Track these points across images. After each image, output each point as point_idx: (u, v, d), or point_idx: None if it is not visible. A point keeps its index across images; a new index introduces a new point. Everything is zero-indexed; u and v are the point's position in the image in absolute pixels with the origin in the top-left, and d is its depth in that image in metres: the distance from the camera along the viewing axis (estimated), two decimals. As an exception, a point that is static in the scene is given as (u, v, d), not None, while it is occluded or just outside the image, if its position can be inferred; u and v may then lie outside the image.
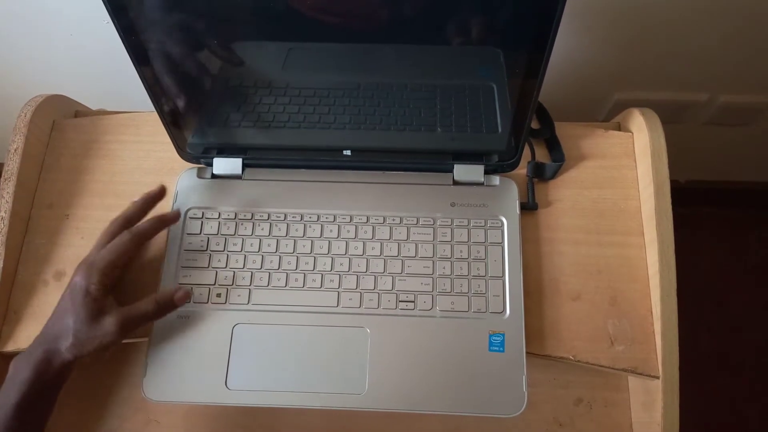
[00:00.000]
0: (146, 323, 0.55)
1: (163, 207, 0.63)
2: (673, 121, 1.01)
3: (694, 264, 1.36)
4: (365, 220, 0.61)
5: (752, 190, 1.33)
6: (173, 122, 0.59)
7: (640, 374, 0.56)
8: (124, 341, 0.54)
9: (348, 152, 0.62)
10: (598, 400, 0.64)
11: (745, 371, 1.28)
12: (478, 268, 0.59)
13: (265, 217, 0.61)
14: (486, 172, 0.63)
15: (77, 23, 0.80)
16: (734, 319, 1.33)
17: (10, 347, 0.59)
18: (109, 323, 0.51)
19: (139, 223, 0.57)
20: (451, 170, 0.63)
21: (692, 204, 1.28)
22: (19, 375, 0.49)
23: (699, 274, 1.35)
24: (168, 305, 0.55)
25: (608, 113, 0.97)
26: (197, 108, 0.59)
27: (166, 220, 0.59)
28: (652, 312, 0.58)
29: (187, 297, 0.56)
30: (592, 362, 0.57)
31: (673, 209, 0.59)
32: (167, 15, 0.48)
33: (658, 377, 0.56)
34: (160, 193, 0.60)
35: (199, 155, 0.64)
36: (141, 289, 0.60)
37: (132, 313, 0.53)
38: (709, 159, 1.20)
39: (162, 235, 0.61)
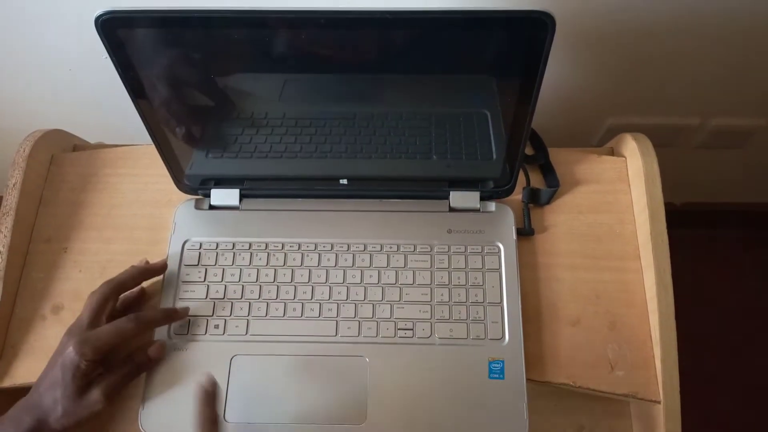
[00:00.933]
0: (129, 383, 0.55)
1: (160, 240, 0.63)
2: (667, 145, 1.02)
3: (691, 285, 1.36)
4: (362, 249, 0.61)
5: (748, 212, 1.33)
6: (170, 155, 0.60)
7: (641, 399, 0.56)
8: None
9: (344, 181, 0.63)
10: (600, 427, 0.63)
11: (749, 394, 1.27)
12: (476, 295, 0.59)
13: (263, 247, 0.62)
14: (482, 199, 0.63)
15: (76, 58, 0.81)
16: (734, 340, 1.32)
17: (6, 383, 0.58)
18: (96, 395, 0.51)
19: (149, 314, 0.56)
20: (447, 197, 0.63)
21: (688, 226, 1.29)
22: None
23: (696, 295, 1.35)
24: (145, 363, 0.56)
25: (601, 138, 0.98)
26: (194, 140, 0.59)
27: (175, 317, 0.58)
28: (651, 336, 0.58)
29: (161, 350, 0.56)
30: (592, 388, 0.56)
31: (670, 231, 0.60)
32: (164, 51, 0.49)
33: (659, 402, 0.56)
34: (161, 269, 0.60)
35: (196, 187, 0.64)
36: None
37: (114, 381, 0.53)
38: (703, 181, 1.21)
39: (160, 266, 0.61)
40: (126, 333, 0.53)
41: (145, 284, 0.62)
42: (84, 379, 0.51)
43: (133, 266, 0.58)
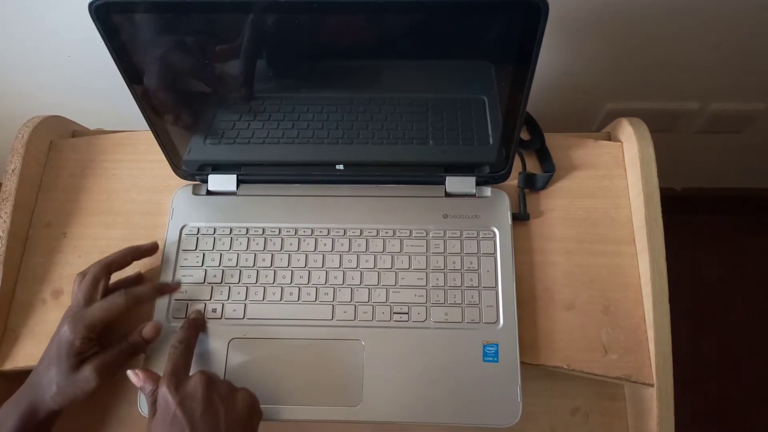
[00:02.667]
0: (124, 364, 0.55)
1: (158, 225, 0.64)
2: (667, 130, 1.02)
3: (691, 270, 1.36)
4: (359, 233, 0.62)
5: (748, 197, 1.33)
6: (168, 141, 0.60)
7: (635, 382, 0.57)
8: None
9: (341, 166, 0.63)
10: (594, 410, 0.64)
11: (744, 377, 1.28)
12: (471, 279, 0.59)
13: (260, 232, 0.62)
14: (477, 184, 0.63)
15: (75, 44, 0.81)
16: (732, 324, 1.33)
17: (8, 366, 0.59)
18: (88, 371, 0.52)
19: (138, 288, 0.57)
20: (443, 182, 0.63)
21: (688, 211, 1.29)
22: (6, 422, 0.51)
23: (696, 281, 1.35)
24: (140, 343, 0.56)
25: (600, 123, 0.98)
26: (191, 126, 0.60)
27: (165, 290, 0.59)
28: (645, 320, 0.59)
29: (156, 330, 0.57)
30: (586, 371, 0.57)
31: (670, 217, 0.60)
32: (159, 36, 0.49)
33: (652, 385, 0.56)
34: (150, 250, 0.61)
35: (194, 172, 0.64)
36: (136, 312, 0.60)
37: (107, 359, 0.53)
38: (703, 166, 1.20)
39: (158, 252, 0.61)
40: (117, 308, 0.54)
41: (144, 270, 0.62)
42: (78, 357, 0.52)
43: (121, 249, 0.59)
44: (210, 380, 0.50)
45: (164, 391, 0.48)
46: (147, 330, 0.56)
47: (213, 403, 0.48)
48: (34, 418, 0.51)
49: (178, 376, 0.50)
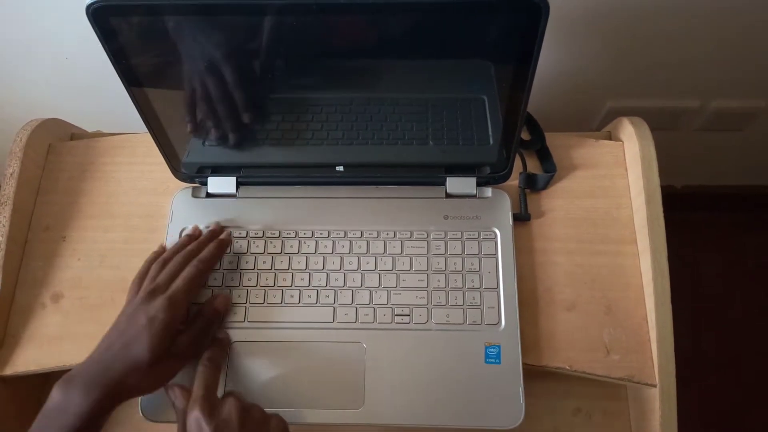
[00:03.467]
0: (207, 340, 0.56)
1: (158, 228, 0.64)
2: (667, 128, 1.01)
3: (691, 268, 1.36)
4: (359, 235, 0.62)
5: (748, 194, 1.33)
6: (167, 143, 0.60)
7: (637, 383, 0.56)
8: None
9: (341, 168, 0.63)
10: (597, 410, 0.64)
11: (745, 375, 1.28)
12: (472, 280, 0.59)
13: (260, 234, 0.62)
14: (478, 185, 0.63)
15: (73, 46, 0.81)
16: (733, 322, 1.33)
17: (8, 371, 0.59)
18: (183, 349, 0.51)
19: (204, 251, 0.57)
20: (443, 183, 0.63)
21: (688, 209, 1.29)
22: (74, 406, 0.46)
23: (696, 278, 1.35)
24: (215, 317, 0.57)
25: (601, 122, 0.98)
26: (190, 128, 0.59)
27: (225, 242, 0.60)
28: (647, 320, 0.58)
29: (228, 302, 0.58)
30: (588, 372, 0.57)
31: (670, 214, 0.59)
32: (157, 39, 0.49)
33: (655, 385, 0.56)
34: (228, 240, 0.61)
35: (193, 175, 0.64)
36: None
37: (193, 337, 0.53)
38: (704, 164, 1.20)
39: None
40: (195, 278, 0.54)
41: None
42: (173, 334, 0.51)
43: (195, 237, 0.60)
44: (244, 407, 0.49)
45: (197, 416, 0.47)
46: (220, 302, 0.57)
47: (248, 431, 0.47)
48: (108, 404, 0.47)
49: (210, 400, 0.49)
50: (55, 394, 0.47)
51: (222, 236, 0.61)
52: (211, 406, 0.48)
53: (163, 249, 0.60)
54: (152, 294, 0.52)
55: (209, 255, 0.57)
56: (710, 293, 1.35)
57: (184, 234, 0.62)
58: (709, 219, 1.39)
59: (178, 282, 0.53)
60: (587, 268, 0.61)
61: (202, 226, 0.62)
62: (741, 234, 1.41)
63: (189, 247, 0.58)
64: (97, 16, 0.46)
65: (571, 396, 0.64)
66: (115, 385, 0.48)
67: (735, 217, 1.39)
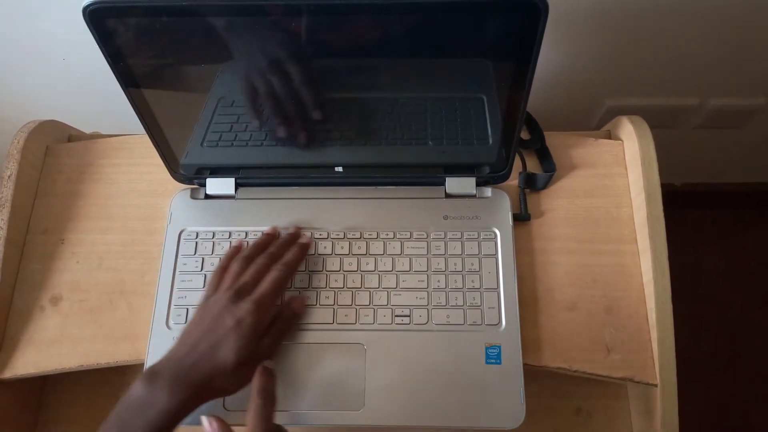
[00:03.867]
0: (284, 340, 0.57)
1: (156, 230, 0.63)
2: (666, 126, 1.01)
3: (692, 266, 1.36)
4: (359, 236, 0.61)
5: (747, 192, 1.33)
6: (164, 144, 0.60)
7: (638, 382, 0.56)
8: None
9: (340, 168, 0.63)
10: (597, 410, 0.64)
11: (747, 373, 1.28)
12: (472, 281, 0.59)
13: (259, 235, 0.62)
14: (478, 184, 0.63)
15: (70, 47, 0.81)
16: (734, 320, 1.33)
17: (7, 374, 0.59)
18: (267, 352, 0.53)
19: (288, 255, 0.57)
20: (443, 183, 0.63)
21: (688, 207, 1.29)
22: (159, 402, 0.46)
23: (697, 276, 1.35)
24: (293, 319, 0.57)
25: (600, 120, 0.98)
26: (188, 129, 0.59)
27: (306, 249, 0.60)
28: (647, 319, 0.58)
29: (305, 303, 0.58)
30: (589, 372, 0.57)
31: (670, 212, 0.59)
32: (154, 40, 0.49)
33: (656, 385, 0.56)
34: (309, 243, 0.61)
35: (192, 176, 0.64)
36: (136, 313, 0.60)
37: (275, 339, 0.55)
38: (703, 162, 1.20)
39: (157, 257, 0.61)
40: (280, 282, 0.54)
41: (142, 276, 0.62)
42: (258, 338, 0.51)
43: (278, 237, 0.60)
44: None
45: None
46: (297, 304, 0.58)
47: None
48: (192, 405, 0.48)
49: None
50: (140, 388, 0.47)
51: (303, 240, 0.60)
52: None
53: (240, 245, 0.60)
54: (238, 295, 0.52)
55: (294, 259, 0.57)
56: (711, 291, 1.35)
57: (264, 233, 0.61)
58: (709, 217, 1.39)
59: (265, 285, 0.53)
60: (588, 267, 0.61)
61: (199, 227, 0.62)
62: (742, 231, 1.41)
63: (271, 249, 0.57)
64: (93, 17, 0.45)
65: (572, 396, 0.64)
66: (200, 385, 0.48)
67: (735, 215, 1.39)
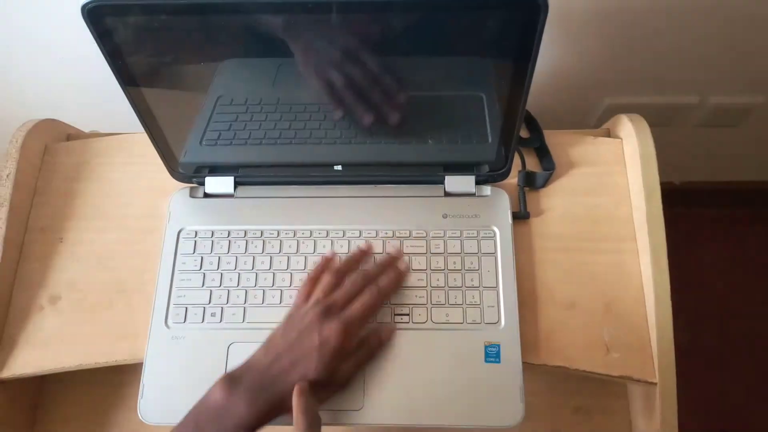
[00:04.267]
0: (366, 366, 0.55)
1: (155, 228, 0.63)
2: (666, 124, 1.01)
3: (691, 264, 1.36)
4: (358, 235, 0.61)
5: (747, 190, 1.33)
6: (163, 143, 0.60)
7: (637, 381, 0.56)
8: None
9: (339, 167, 0.62)
10: (597, 408, 0.64)
11: (747, 372, 1.28)
12: (471, 279, 0.59)
13: (258, 234, 0.62)
14: (477, 183, 0.63)
15: (68, 47, 0.80)
16: (734, 318, 1.33)
17: (6, 374, 0.59)
18: (343, 377, 0.52)
19: (383, 281, 0.56)
20: (442, 182, 0.63)
21: (688, 205, 1.29)
22: (237, 411, 0.46)
23: (697, 275, 1.35)
24: (378, 347, 0.56)
25: (600, 119, 0.98)
26: (187, 128, 0.59)
27: (403, 278, 0.58)
28: (647, 318, 0.58)
29: (393, 334, 0.57)
30: (588, 370, 0.57)
31: (669, 210, 0.59)
32: (153, 38, 0.49)
33: (655, 383, 0.56)
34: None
35: (190, 175, 0.64)
36: (135, 312, 0.60)
37: (356, 364, 0.54)
38: (703, 160, 1.20)
39: (155, 256, 0.61)
40: (372, 308, 0.54)
41: (141, 275, 0.62)
42: (340, 361, 0.51)
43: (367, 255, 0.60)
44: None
45: None
46: (386, 333, 0.56)
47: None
48: (269, 417, 0.48)
49: None
50: (219, 393, 0.47)
51: (402, 267, 0.59)
52: None
53: (333, 256, 0.59)
54: (328, 312, 0.52)
55: (389, 285, 0.56)
56: (711, 290, 1.35)
57: (359, 248, 0.60)
58: (708, 215, 1.39)
59: (356, 307, 0.53)
60: (587, 266, 0.61)
61: (198, 226, 0.62)
62: (741, 230, 1.41)
63: (368, 270, 0.57)
64: (92, 15, 0.45)
65: (571, 394, 0.64)
66: (278, 401, 0.48)
67: (735, 213, 1.39)
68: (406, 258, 0.60)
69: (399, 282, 0.58)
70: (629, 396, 0.64)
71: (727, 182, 1.31)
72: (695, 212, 1.35)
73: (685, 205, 1.32)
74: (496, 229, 0.61)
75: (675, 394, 0.55)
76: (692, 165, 1.22)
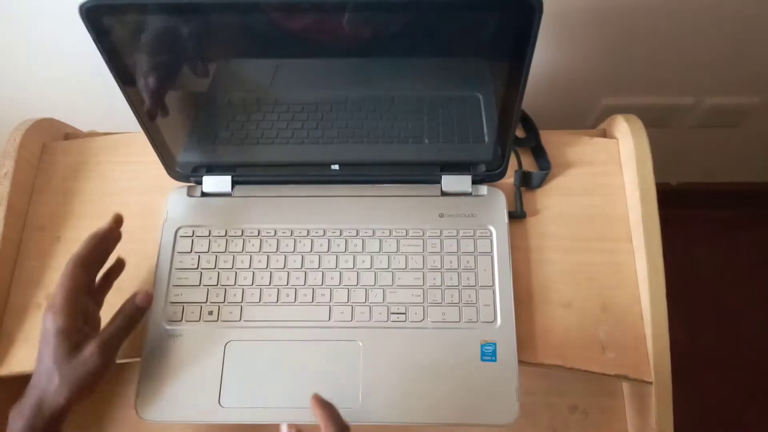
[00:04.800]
0: (124, 339, 0.54)
1: (152, 227, 0.64)
2: (662, 125, 1.02)
3: (688, 265, 1.37)
4: (355, 234, 0.61)
5: (743, 191, 1.33)
6: (161, 142, 0.60)
7: (633, 380, 0.57)
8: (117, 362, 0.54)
9: (336, 166, 0.63)
10: (593, 407, 0.64)
11: (742, 372, 1.28)
12: (468, 278, 0.59)
13: (255, 233, 0.62)
14: (473, 182, 0.63)
15: (67, 46, 0.81)
16: (730, 319, 1.33)
17: (2, 371, 0.59)
18: (89, 350, 0.50)
19: (79, 247, 0.55)
20: (438, 181, 0.63)
21: (684, 206, 1.29)
22: (13, 426, 0.49)
23: (693, 274, 1.36)
24: (135, 312, 0.55)
25: (596, 119, 0.98)
26: (185, 127, 0.59)
27: (101, 236, 0.56)
28: (642, 317, 0.59)
29: (149, 298, 0.56)
30: (584, 369, 0.57)
31: (665, 211, 0.60)
32: (151, 38, 0.49)
33: (650, 382, 0.56)
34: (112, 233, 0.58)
35: (188, 174, 0.64)
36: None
37: (106, 335, 0.52)
38: (699, 161, 1.21)
39: (153, 254, 0.61)
40: (69, 275, 0.52)
41: (139, 272, 0.62)
42: (70, 340, 0.50)
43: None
44: None
45: None
46: (140, 298, 0.55)
47: None
48: (39, 416, 0.49)
49: None
50: (9, 421, 0.50)
51: (101, 230, 0.57)
52: None
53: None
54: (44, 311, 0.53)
55: (80, 251, 0.55)
56: (707, 291, 1.35)
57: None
58: (704, 216, 1.39)
59: (56, 288, 0.53)
60: (583, 265, 0.61)
61: (195, 224, 0.62)
62: (737, 231, 1.41)
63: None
64: (90, 15, 0.45)
65: (568, 393, 0.64)
66: (39, 396, 0.50)
67: (731, 214, 1.39)
68: (402, 257, 0.60)
69: (94, 240, 0.56)
70: (625, 395, 0.64)
71: (723, 183, 1.31)
72: (692, 213, 1.36)
73: (681, 207, 1.32)
74: (492, 228, 0.61)
75: (670, 394, 0.55)
76: (688, 166, 1.23)
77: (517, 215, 0.63)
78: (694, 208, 1.32)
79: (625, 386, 0.64)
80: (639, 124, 0.64)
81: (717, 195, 1.34)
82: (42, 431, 0.49)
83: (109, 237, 0.57)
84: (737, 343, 1.31)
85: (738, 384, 1.27)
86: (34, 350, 0.58)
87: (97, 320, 0.55)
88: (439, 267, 0.60)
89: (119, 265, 0.60)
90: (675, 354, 0.56)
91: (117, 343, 0.53)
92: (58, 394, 0.49)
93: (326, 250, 0.61)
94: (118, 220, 0.58)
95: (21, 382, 0.59)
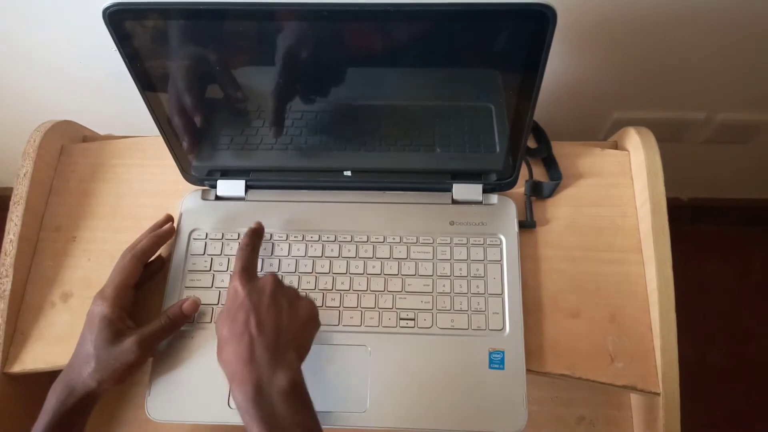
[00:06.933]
0: (163, 339, 0.56)
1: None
2: (673, 140, 1.02)
3: (698, 280, 1.36)
4: (366, 239, 0.62)
5: (754, 207, 1.33)
6: (178, 146, 0.61)
7: (641, 391, 0.56)
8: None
9: (348, 173, 0.63)
10: (600, 419, 0.64)
11: (750, 386, 1.27)
12: (477, 286, 0.59)
13: (268, 237, 0.62)
14: (484, 191, 0.64)
15: (86, 51, 0.82)
16: (738, 334, 1.32)
17: (16, 368, 0.60)
18: (129, 343, 0.52)
19: (139, 243, 0.59)
20: (449, 189, 0.64)
21: (695, 221, 1.29)
22: (47, 404, 0.51)
23: (703, 291, 1.35)
24: (179, 317, 0.57)
25: (608, 132, 0.98)
26: (201, 132, 0.60)
27: (162, 236, 0.61)
28: (651, 328, 0.59)
29: (195, 305, 0.58)
30: (591, 379, 0.57)
31: (676, 227, 0.60)
32: (171, 43, 0.50)
33: (658, 394, 0.56)
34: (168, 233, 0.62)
35: (203, 177, 0.65)
36: (147, 311, 0.60)
37: (147, 332, 0.54)
38: (710, 177, 1.20)
39: (168, 257, 0.62)
40: (126, 267, 0.56)
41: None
42: (111, 327, 0.53)
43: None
44: (279, 282, 0.53)
45: (235, 284, 0.52)
46: (187, 305, 0.57)
47: (278, 300, 0.51)
48: (70, 397, 0.51)
49: (249, 272, 0.53)
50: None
51: (162, 231, 0.62)
52: (248, 276, 0.53)
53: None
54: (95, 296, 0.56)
55: (142, 247, 0.59)
56: (717, 306, 1.34)
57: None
58: (715, 232, 1.38)
59: (110, 276, 0.57)
60: (592, 275, 0.61)
61: (209, 227, 0.63)
62: (748, 247, 1.40)
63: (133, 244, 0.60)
64: (113, 19, 0.47)
65: (575, 404, 0.64)
66: (73, 377, 0.53)
67: (742, 231, 1.39)
68: (412, 264, 0.61)
69: (156, 239, 0.60)
70: (633, 407, 0.64)
71: (734, 200, 1.31)
72: (702, 229, 1.35)
73: (692, 222, 1.32)
74: (502, 237, 0.62)
75: (678, 406, 0.55)
76: (700, 181, 1.22)
77: (527, 224, 0.63)
78: (705, 223, 1.32)
79: (633, 398, 0.64)
80: (650, 137, 0.64)
81: (728, 211, 1.34)
82: (72, 408, 0.51)
83: (167, 239, 0.62)
84: (748, 359, 1.29)
85: (748, 400, 1.26)
86: (48, 348, 0.59)
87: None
88: (449, 274, 0.60)
89: (161, 262, 0.63)
90: (683, 368, 0.56)
91: (155, 341, 0.55)
92: (92, 378, 0.51)
93: (337, 255, 0.61)
94: (170, 220, 0.63)
95: (33, 378, 0.60)
